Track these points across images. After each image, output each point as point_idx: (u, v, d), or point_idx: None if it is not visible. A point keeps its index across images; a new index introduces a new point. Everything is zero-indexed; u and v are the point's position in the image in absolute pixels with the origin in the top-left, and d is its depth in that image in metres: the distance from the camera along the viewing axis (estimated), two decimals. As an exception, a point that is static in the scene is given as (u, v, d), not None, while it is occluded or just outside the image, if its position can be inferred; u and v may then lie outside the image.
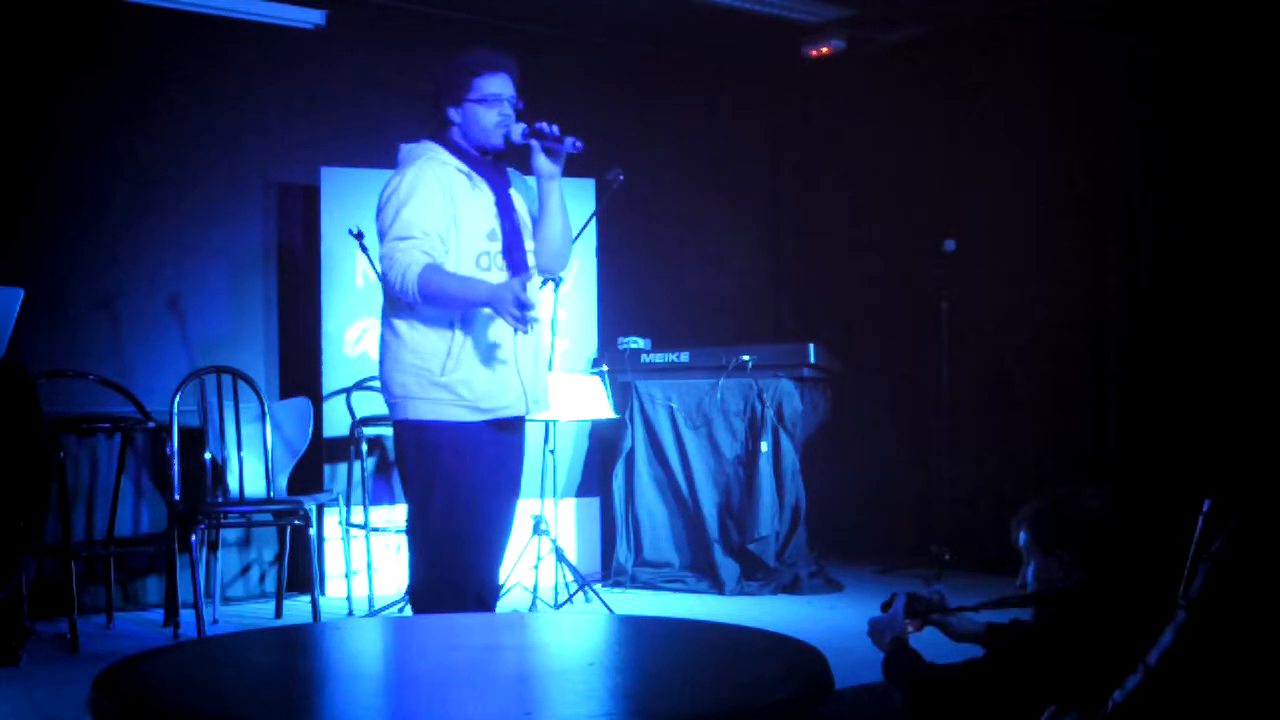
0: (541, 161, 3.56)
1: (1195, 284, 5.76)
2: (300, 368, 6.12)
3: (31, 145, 5.56)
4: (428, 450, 3.47)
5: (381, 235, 3.45)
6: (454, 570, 3.46)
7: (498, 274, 3.50)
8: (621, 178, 5.12)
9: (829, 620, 5.32)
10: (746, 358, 6.10)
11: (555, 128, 3.55)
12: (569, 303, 6.28)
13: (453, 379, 3.43)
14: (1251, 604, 1.94)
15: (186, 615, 5.22)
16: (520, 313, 3.27)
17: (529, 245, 3.60)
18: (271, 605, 5.65)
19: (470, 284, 3.41)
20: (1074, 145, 6.39)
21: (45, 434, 4.76)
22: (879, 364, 7.02)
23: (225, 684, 2.36)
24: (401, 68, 6.20)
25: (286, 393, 6.06)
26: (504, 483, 3.60)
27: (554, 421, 5.67)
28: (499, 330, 3.48)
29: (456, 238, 3.45)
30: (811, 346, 6.12)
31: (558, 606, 5.48)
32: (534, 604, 5.43)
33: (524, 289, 3.29)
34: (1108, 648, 2.29)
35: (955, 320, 6.41)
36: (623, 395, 6.28)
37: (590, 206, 5.85)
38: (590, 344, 6.56)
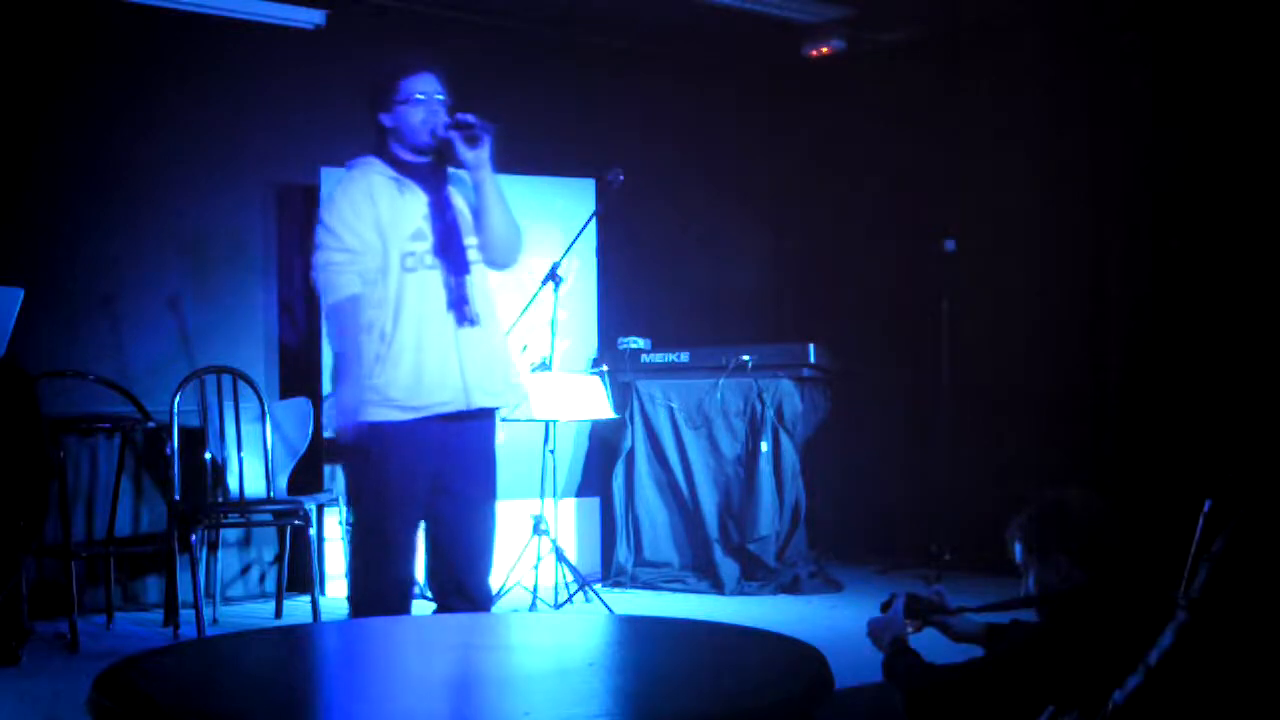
0: (464, 152, 3.59)
1: (1195, 283, 5.75)
2: (300, 368, 6.12)
3: (31, 145, 5.55)
4: (358, 454, 3.51)
5: (317, 245, 3.58)
6: (379, 577, 3.52)
7: (425, 274, 3.54)
8: (621, 178, 5.12)
9: (829, 620, 5.32)
10: (746, 358, 6.10)
11: (470, 115, 3.56)
12: (569, 303, 6.27)
13: (380, 381, 3.47)
14: (1251, 604, 1.94)
15: (186, 615, 5.22)
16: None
17: (469, 241, 3.62)
18: (271, 605, 5.65)
19: (347, 373, 3.50)
20: (1074, 145, 6.38)
21: (45, 434, 4.76)
22: (879, 364, 7.00)
23: (225, 684, 2.37)
24: (401, 68, 6.18)
25: (286, 393, 6.06)
26: (457, 482, 3.57)
27: (554, 421, 5.67)
28: (434, 328, 3.51)
29: (383, 240, 3.53)
30: (811, 346, 6.12)
31: (558, 606, 5.48)
32: (534, 604, 5.43)
33: (352, 438, 3.47)
34: (1108, 648, 2.28)
35: (955, 320, 6.41)
36: (623, 395, 6.27)
37: (590, 206, 5.85)
38: (590, 344, 6.56)
